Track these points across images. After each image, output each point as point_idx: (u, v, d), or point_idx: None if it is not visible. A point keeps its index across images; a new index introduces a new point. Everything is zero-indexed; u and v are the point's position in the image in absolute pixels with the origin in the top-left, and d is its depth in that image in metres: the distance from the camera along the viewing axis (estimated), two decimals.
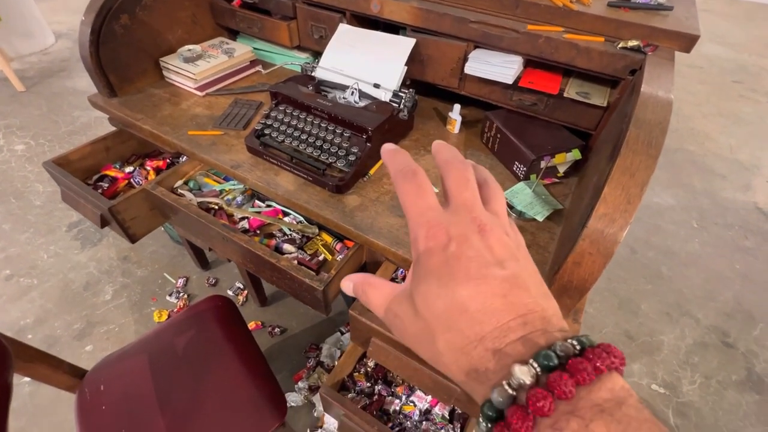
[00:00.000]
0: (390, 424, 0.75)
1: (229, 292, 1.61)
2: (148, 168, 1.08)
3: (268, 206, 0.88)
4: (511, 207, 0.77)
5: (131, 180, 1.04)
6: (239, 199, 0.87)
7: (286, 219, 0.85)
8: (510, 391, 0.18)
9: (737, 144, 2.54)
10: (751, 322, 1.57)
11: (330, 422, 0.85)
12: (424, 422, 0.76)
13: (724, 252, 1.83)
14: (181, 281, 1.65)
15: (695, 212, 2.03)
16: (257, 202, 0.88)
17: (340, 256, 0.78)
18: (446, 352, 0.20)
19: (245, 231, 0.84)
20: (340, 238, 0.83)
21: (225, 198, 0.87)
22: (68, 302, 1.57)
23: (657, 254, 1.79)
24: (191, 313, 1.03)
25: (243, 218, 0.86)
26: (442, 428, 0.76)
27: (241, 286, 1.62)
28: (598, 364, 0.17)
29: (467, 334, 0.19)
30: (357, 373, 0.86)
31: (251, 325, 1.50)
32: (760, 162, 2.41)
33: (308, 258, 0.79)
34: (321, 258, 0.80)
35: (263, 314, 1.55)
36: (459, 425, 0.77)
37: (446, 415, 0.78)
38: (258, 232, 0.85)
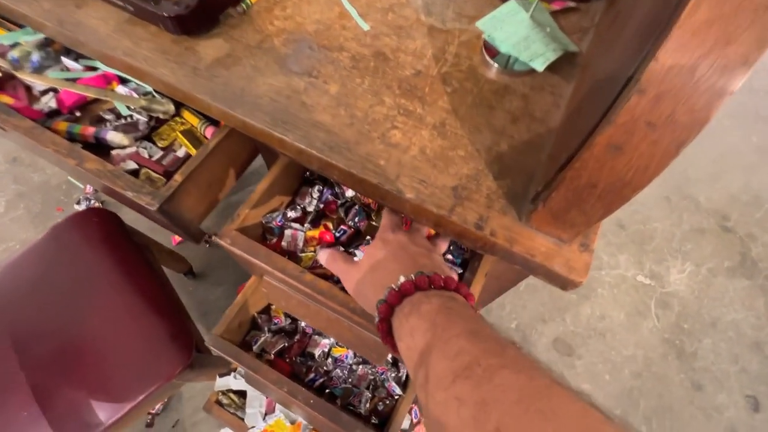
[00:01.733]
0: (312, 374, 0.56)
1: None
2: None
3: (91, 69, 0.53)
4: (492, 54, 0.44)
5: None
6: (36, 57, 0.51)
7: (121, 90, 0.51)
8: (394, 288, 0.30)
9: None
10: (756, 204, 1.39)
11: None
12: (360, 366, 0.58)
13: (743, 122, 1.55)
14: (90, 186, 1.34)
15: None
16: (67, 62, 0.52)
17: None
18: (370, 282, 0.35)
19: (52, 114, 0.51)
20: (212, 119, 0.51)
21: (10, 57, 0.51)
22: None
23: None
24: (56, 234, 0.76)
25: (48, 91, 0.52)
26: (383, 373, 0.58)
27: None
28: (450, 283, 0.31)
29: (385, 269, 0.35)
30: (275, 306, 0.64)
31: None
32: None
33: (159, 155, 0.48)
34: (180, 154, 0.49)
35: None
36: (405, 368, 0.61)
37: (389, 358, 0.60)
38: (77, 114, 0.52)
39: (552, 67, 0.44)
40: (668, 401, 1.09)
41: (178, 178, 0.41)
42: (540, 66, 0.40)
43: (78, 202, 1.31)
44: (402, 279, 0.30)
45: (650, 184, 0.28)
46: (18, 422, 0.62)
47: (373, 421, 0.54)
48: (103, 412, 0.63)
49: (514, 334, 1.16)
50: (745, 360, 1.15)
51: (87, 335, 0.68)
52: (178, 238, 1.27)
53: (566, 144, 0.33)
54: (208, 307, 1.16)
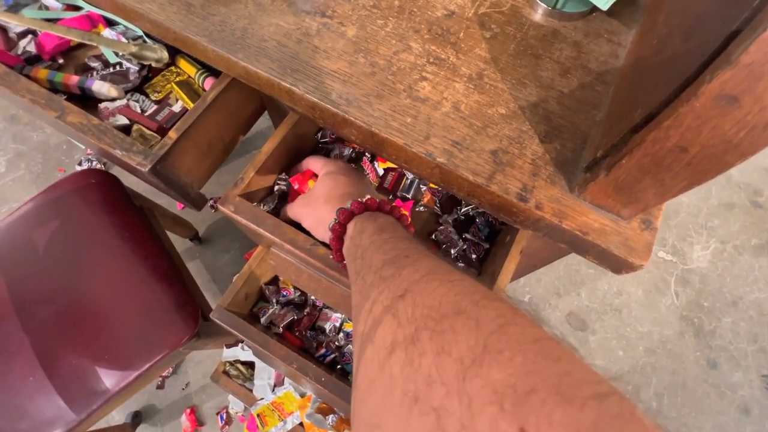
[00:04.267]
0: (323, 350, 0.53)
1: None
2: None
3: (75, 8, 0.46)
4: None
5: None
6: None
7: (107, 34, 0.45)
8: (347, 206, 0.33)
9: None
10: None
11: None
12: None
13: None
14: None
15: None
16: None
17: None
18: (327, 211, 0.36)
19: (31, 60, 0.45)
20: (211, 69, 0.45)
21: None
22: None
23: None
24: (52, 196, 0.72)
25: (26, 33, 0.46)
26: None
27: None
28: (394, 211, 0.34)
29: (335, 194, 0.38)
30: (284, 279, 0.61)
31: None
32: None
33: (152, 109, 0.43)
34: (177, 108, 0.43)
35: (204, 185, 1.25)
36: None
37: None
38: (60, 61, 0.46)
39: (610, 10, 0.37)
40: (681, 378, 1.07)
41: (172, 135, 0.36)
42: (604, 4, 0.33)
43: (80, 163, 1.27)
44: (360, 199, 0.34)
45: None
46: (25, 387, 0.61)
47: None
48: (109, 379, 0.62)
49: (526, 308, 1.13)
50: (765, 339, 1.11)
51: (89, 301, 0.66)
52: None
53: (637, 100, 0.27)
54: (215, 273, 1.14)
